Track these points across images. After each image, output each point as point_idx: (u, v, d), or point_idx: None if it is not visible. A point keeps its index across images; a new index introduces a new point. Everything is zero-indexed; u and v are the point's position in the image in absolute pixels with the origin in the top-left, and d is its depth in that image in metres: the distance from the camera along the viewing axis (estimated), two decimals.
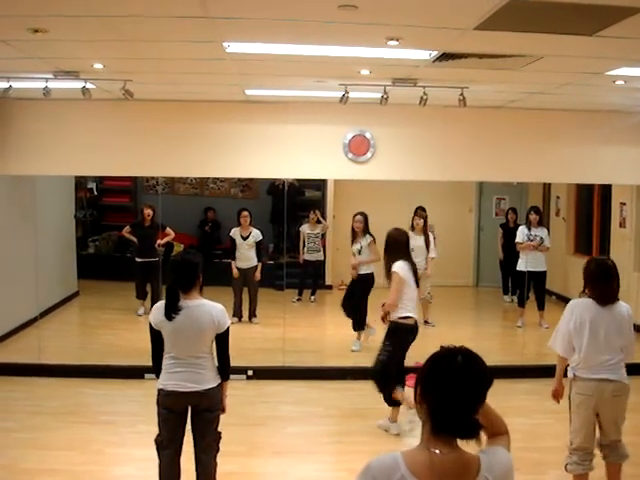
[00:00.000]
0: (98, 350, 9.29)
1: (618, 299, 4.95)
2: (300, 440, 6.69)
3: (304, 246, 11.07)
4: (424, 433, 2.30)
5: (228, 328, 4.68)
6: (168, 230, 10.73)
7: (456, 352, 2.30)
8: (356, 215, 9.34)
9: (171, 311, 4.52)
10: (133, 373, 7.76)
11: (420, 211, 10.42)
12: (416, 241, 10.06)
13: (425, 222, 10.13)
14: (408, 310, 6.58)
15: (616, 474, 5.05)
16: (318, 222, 11.24)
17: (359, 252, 9.25)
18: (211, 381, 4.65)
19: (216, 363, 4.73)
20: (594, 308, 4.88)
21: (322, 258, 11.22)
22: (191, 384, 4.58)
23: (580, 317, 4.90)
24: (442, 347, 2.35)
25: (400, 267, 6.52)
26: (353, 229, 9.34)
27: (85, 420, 6.93)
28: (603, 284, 4.92)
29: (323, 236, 11.60)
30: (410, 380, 8.14)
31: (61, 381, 8.02)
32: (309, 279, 11.69)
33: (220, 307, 4.67)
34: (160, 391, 4.67)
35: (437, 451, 2.23)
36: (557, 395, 5.25)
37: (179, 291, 4.57)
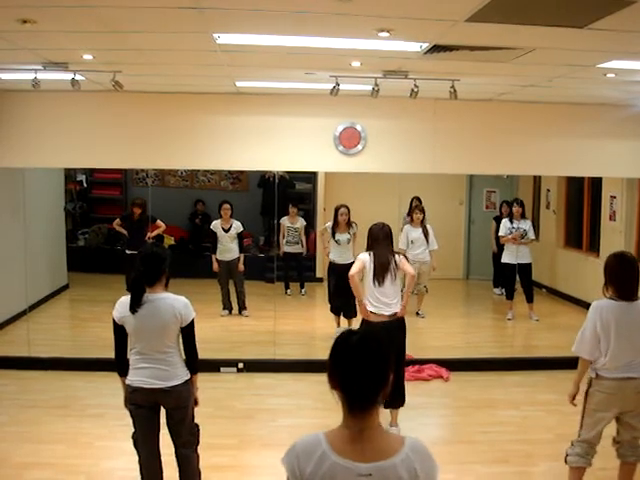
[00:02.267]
0: (88, 343, 9.25)
1: (638, 297, 4.86)
2: (290, 433, 6.67)
3: (283, 238, 11.08)
4: (343, 413, 2.39)
5: (193, 321, 4.59)
6: (159, 222, 10.66)
7: (353, 333, 2.41)
8: (341, 207, 9.55)
9: (135, 304, 4.45)
10: None
11: (417, 202, 10.53)
12: (415, 233, 10.20)
13: (424, 214, 10.24)
14: (369, 303, 6.57)
15: (631, 475, 5.00)
16: (298, 215, 11.28)
17: (348, 241, 9.49)
18: (177, 377, 4.57)
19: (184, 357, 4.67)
20: (618, 308, 4.78)
21: (302, 250, 11.22)
22: (156, 380, 4.52)
23: (606, 319, 4.78)
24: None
25: (362, 254, 6.63)
26: (337, 221, 9.51)
27: (75, 413, 6.92)
28: (623, 277, 4.82)
29: (309, 229, 11.63)
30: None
31: (51, 374, 8.02)
32: (292, 272, 11.68)
33: (183, 300, 4.58)
34: (127, 387, 4.63)
35: (357, 428, 2.33)
36: (573, 399, 5.09)
37: (144, 284, 4.51)
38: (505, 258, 10.55)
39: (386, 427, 6.45)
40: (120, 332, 4.57)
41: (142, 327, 4.49)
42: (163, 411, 4.69)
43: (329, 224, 9.72)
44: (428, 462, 2.37)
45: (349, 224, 9.54)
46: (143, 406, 4.58)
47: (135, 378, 4.57)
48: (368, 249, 6.59)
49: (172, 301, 4.54)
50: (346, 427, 2.36)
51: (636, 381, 4.82)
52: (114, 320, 4.57)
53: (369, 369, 2.33)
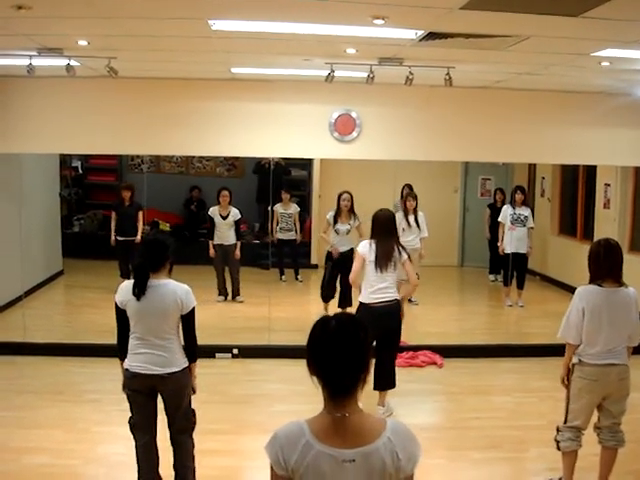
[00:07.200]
0: (83, 329, 9.29)
1: (625, 284, 4.88)
2: (286, 418, 6.58)
3: (277, 224, 11.07)
4: (324, 399, 2.39)
5: (194, 309, 4.61)
6: (139, 214, 10.50)
7: (331, 318, 2.41)
8: (343, 194, 9.33)
9: (139, 290, 4.47)
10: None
11: (409, 190, 10.51)
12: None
13: (416, 202, 10.22)
14: (367, 291, 6.52)
15: (612, 459, 5.05)
16: (292, 201, 11.28)
17: (347, 232, 9.31)
18: (176, 364, 4.58)
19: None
20: (602, 294, 4.82)
21: (295, 237, 11.24)
22: (154, 367, 4.54)
23: (590, 304, 4.82)
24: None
25: (361, 246, 6.59)
26: (339, 208, 9.32)
27: (70, 399, 6.95)
28: (606, 261, 4.84)
29: (304, 216, 11.63)
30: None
31: (46, 360, 8.02)
32: (287, 258, 11.69)
33: (185, 287, 4.60)
34: (126, 372, 4.64)
35: (338, 414, 2.32)
36: (565, 380, 5.12)
37: (148, 271, 4.52)
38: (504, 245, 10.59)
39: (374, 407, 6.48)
40: (122, 316, 4.60)
41: (143, 312, 4.52)
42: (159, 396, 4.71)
43: (331, 214, 9.46)
44: (409, 444, 2.35)
45: (352, 212, 9.32)
46: (141, 392, 4.60)
47: (134, 363, 4.59)
48: (372, 237, 6.53)
49: (174, 287, 4.57)
50: (328, 413, 2.35)
51: (618, 367, 4.88)
52: (116, 304, 4.60)
53: (348, 355, 2.32)
